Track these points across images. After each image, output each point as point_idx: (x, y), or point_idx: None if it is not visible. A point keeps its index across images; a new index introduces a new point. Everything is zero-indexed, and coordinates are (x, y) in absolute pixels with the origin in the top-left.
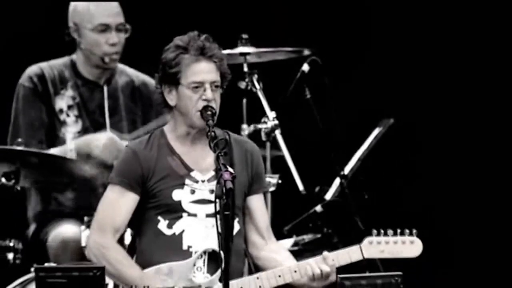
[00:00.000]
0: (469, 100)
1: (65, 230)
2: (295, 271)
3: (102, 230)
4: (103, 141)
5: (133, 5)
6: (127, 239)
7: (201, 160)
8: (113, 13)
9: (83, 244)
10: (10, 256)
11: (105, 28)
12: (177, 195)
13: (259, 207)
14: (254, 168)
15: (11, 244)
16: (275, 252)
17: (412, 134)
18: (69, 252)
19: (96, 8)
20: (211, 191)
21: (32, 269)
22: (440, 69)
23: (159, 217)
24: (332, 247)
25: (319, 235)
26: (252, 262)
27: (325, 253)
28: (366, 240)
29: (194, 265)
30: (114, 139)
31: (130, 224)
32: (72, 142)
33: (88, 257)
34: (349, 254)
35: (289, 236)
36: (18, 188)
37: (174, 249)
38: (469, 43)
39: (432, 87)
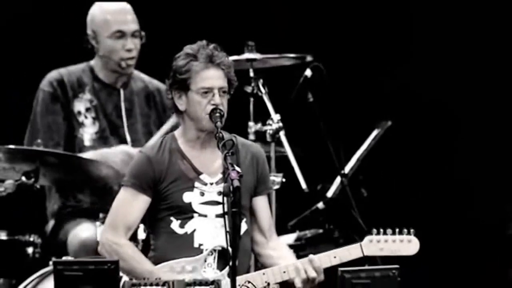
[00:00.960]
0: (462, 103)
1: (83, 230)
2: (284, 272)
3: (115, 229)
4: (120, 157)
5: (145, 14)
6: (141, 234)
7: (210, 164)
8: (128, 21)
9: (98, 238)
10: (30, 250)
11: (121, 35)
12: (188, 197)
13: (263, 207)
14: (260, 171)
15: (31, 239)
16: (274, 250)
17: (408, 136)
18: (87, 251)
19: (112, 17)
20: (219, 193)
21: (50, 263)
22: (434, 74)
23: (172, 218)
24: (333, 242)
25: (321, 230)
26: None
27: (311, 256)
28: (367, 239)
29: (205, 261)
30: (129, 152)
31: (145, 222)
32: (88, 154)
33: (101, 253)
34: (350, 251)
35: (292, 231)
36: (38, 186)
37: (186, 247)
38: (464, 45)
39: (427, 92)
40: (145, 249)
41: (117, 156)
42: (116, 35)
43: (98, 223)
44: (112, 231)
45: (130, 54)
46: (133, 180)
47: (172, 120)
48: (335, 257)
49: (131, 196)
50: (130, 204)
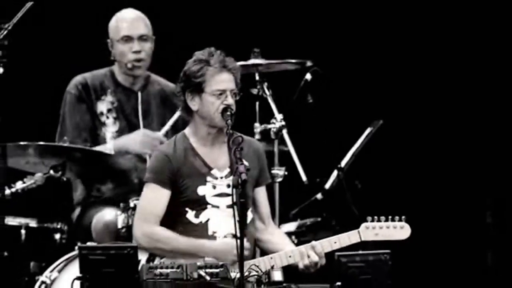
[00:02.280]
0: (450, 103)
1: (106, 214)
2: (290, 256)
3: (146, 221)
4: (139, 138)
5: (155, 22)
6: None
7: (219, 159)
8: (136, 27)
9: (119, 226)
10: (57, 236)
11: (128, 39)
12: (202, 190)
13: (263, 197)
14: (261, 164)
15: (58, 226)
16: (272, 235)
17: (399, 133)
18: (109, 232)
19: (122, 23)
20: (228, 186)
21: (76, 248)
22: (421, 77)
23: (187, 209)
24: (330, 229)
25: (319, 219)
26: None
27: (313, 242)
28: (363, 225)
29: None
30: (147, 132)
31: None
32: (110, 143)
33: (140, 247)
34: (349, 237)
35: (294, 219)
36: (64, 178)
37: (202, 235)
38: (451, 48)
39: (417, 93)
40: None
41: (135, 140)
42: (124, 39)
43: (119, 212)
44: (145, 224)
45: (136, 56)
46: (155, 176)
47: (177, 114)
48: (335, 242)
49: (155, 191)
50: (155, 198)
